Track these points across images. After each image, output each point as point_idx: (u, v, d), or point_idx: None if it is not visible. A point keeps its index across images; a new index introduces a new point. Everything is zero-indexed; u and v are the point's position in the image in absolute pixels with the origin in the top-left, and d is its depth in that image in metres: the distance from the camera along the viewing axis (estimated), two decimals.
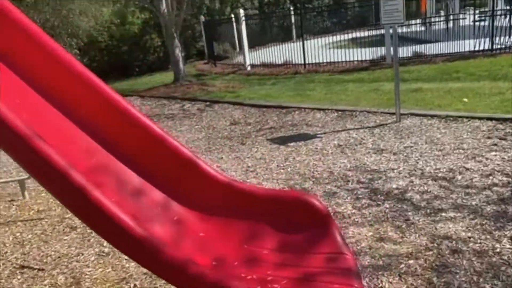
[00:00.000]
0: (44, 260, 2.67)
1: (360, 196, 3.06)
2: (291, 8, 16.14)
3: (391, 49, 4.91)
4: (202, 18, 13.97)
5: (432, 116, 4.67)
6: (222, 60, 12.81)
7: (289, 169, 3.75)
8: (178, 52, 9.53)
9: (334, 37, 11.17)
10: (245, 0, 17.45)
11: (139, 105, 7.86)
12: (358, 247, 2.43)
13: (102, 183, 1.99)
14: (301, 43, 9.62)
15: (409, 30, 11.06)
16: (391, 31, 4.95)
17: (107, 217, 1.63)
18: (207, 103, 7.17)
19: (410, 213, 2.72)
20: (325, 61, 9.22)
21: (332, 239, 1.91)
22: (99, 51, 13.81)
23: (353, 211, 2.87)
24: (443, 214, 2.67)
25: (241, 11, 11.56)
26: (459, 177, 3.16)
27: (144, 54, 14.23)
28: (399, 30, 6.99)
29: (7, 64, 2.08)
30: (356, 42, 10.69)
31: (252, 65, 10.71)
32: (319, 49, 9.96)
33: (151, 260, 1.65)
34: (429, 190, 3.02)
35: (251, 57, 10.94)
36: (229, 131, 5.34)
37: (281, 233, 2.00)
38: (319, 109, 5.65)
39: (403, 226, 2.59)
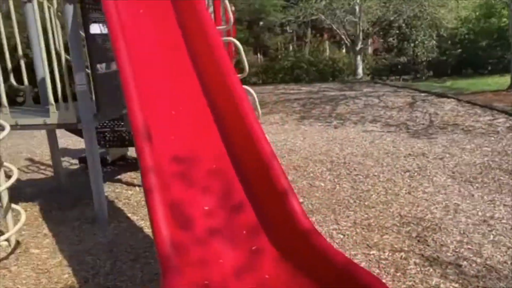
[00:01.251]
0: None
1: None
2: None
3: None
4: None
5: None
6: None
7: None
8: None
9: None
10: None
11: (450, 109, 7.07)
12: None
13: (210, 187, 2.09)
14: None
15: None
16: None
17: (151, 219, 1.72)
18: None
19: None
20: None
21: None
22: (452, 44, 13.04)
23: None
24: None
25: None
26: None
27: (504, 51, 12.35)
28: None
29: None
30: None
31: None
32: None
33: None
34: None
35: None
36: None
37: None
38: None
39: None
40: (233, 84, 2.22)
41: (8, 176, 2.79)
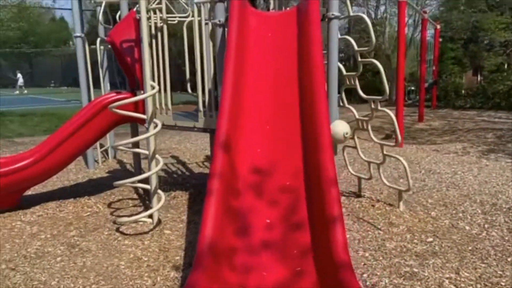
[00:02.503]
0: None
1: None
2: None
3: None
4: None
5: None
6: None
7: None
8: None
9: None
10: None
11: None
12: None
13: (278, 202, 2.16)
14: None
15: None
16: None
17: (202, 217, 1.92)
18: None
19: None
20: None
21: None
22: None
23: None
24: None
25: None
26: None
27: None
28: None
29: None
30: None
31: None
32: None
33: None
34: None
35: None
36: None
37: None
38: None
39: None
40: (319, 108, 2.24)
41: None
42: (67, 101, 17.92)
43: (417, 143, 7.40)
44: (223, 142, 2.18)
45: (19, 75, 29.48)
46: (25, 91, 26.96)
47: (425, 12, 9.42)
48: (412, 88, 15.88)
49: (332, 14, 3.11)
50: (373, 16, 16.47)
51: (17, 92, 26.24)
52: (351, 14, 3.83)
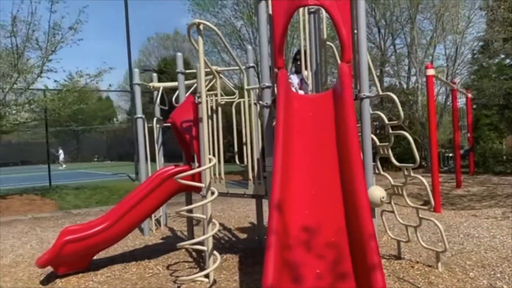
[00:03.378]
0: None
1: None
2: None
3: None
4: None
5: None
6: None
7: None
8: None
9: None
10: None
11: None
12: None
13: (325, 255, 2.54)
14: None
15: None
16: None
17: (264, 267, 2.32)
18: None
19: None
20: None
21: None
22: None
23: None
24: None
25: None
26: None
27: None
28: None
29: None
30: None
31: None
32: None
33: None
34: None
35: None
36: None
37: None
38: None
39: None
40: (356, 175, 2.67)
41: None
42: (114, 174, 19.02)
43: (456, 209, 7.52)
44: (277, 205, 2.62)
45: (60, 151, 31.43)
46: (64, 166, 28.63)
47: (454, 83, 9.90)
48: (450, 154, 15.95)
49: (364, 94, 3.64)
50: (405, 86, 17.09)
51: (61, 167, 27.93)
52: (380, 93, 4.35)
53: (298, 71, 4.92)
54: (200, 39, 3.86)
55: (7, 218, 8.50)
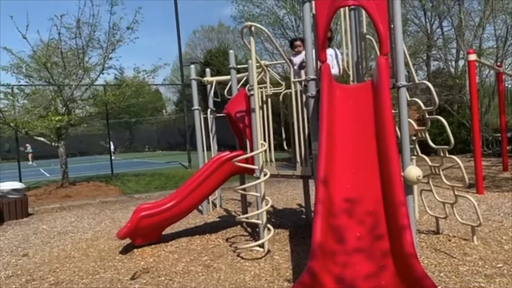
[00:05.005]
0: None
1: None
2: None
3: None
4: None
5: None
6: None
7: None
8: None
9: None
10: None
11: None
12: None
13: (364, 221, 3.03)
14: None
15: None
16: None
17: (313, 230, 2.85)
18: None
19: None
20: None
21: None
22: None
23: None
24: None
25: None
26: None
27: None
28: None
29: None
30: None
31: None
32: None
33: None
34: None
35: None
36: None
37: None
38: None
39: None
40: (391, 154, 3.12)
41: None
42: (167, 163, 20.16)
43: (500, 191, 7.66)
44: (323, 180, 3.13)
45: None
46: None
47: (499, 66, 9.85)
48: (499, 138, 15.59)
49: (400, 84, 4.04)
50: (452, 70, 16.83)
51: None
52: (417, 81, 4.71)
53: (297, 53, 5.65)
54: (252, 40, 4.39)
55: (79, 202, 9.53)
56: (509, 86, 14.76)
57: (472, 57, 7.13)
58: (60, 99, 10.77)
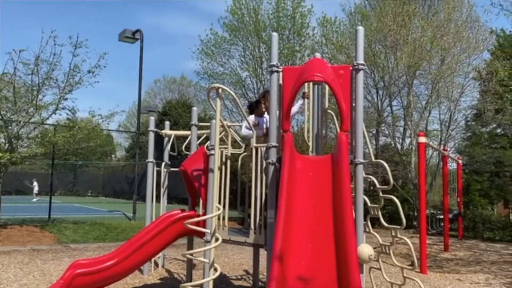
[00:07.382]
0: None
1: None
2: None
3: None
4: None
5: None
6: None
7: None
8: None
9: None
10: None
11: None
12: None
13: None
14: None
15: None
16: None
17: None
18: None
19: None
20: None
21: None
22: None
23: None
24: None
25: None
26: None
27: None
28: None
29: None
30: None
31: None
32: None
33: None
34: None
35: None
36: None
37: None
38: None
39: None
40: (348, 233, 3.10)
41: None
42: (110, 211, 19.19)
43: (442, 272, 7.83)
44: (278, 255, 3.02)
45: (35, 183, 31.18)
46: (37, 199, 28.04)
47: (445, 150, 10.48)
48: (441, 216, 16.27)
49: (358, 161, 4.12)
50: (399, 147, 17.68)
51: (34, 199, 27.65)
52: (373, 160, 4.85)
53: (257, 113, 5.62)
54: (218, 101, 4.39)
55: (7, 248, 8.72)
56: (450, 167, 15.68)
57: (422, 139, 7.54)
58: (4, 134, 10.15)
